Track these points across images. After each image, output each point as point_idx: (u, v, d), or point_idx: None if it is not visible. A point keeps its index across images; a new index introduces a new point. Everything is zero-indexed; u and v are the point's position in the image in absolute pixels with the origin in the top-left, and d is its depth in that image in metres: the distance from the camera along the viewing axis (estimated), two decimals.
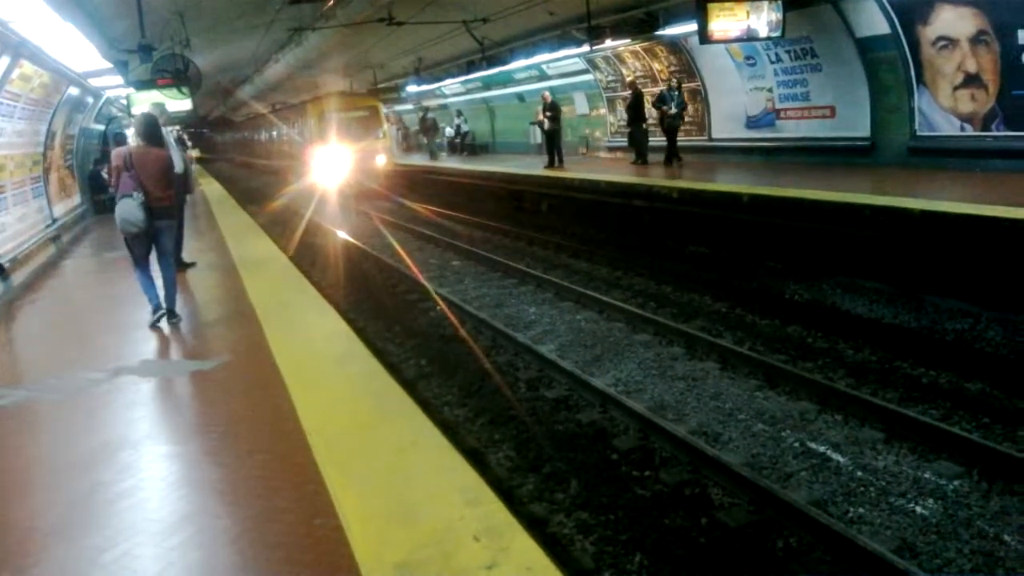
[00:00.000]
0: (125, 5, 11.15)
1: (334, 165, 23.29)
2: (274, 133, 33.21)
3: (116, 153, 6.95)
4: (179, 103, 13.73)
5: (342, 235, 16.20)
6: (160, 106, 9.99)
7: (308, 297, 8.00)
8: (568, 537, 4.85)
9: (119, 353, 6.54)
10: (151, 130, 7.13)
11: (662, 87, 17.51)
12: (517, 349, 8.29)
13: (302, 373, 5.43)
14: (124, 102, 16.58)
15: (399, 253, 13.99)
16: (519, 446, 6.16)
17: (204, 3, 13.88)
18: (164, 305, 7.15)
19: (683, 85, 17.60)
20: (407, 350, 8.79)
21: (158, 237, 7.10)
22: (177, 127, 37.44)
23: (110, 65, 13.24)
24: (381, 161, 24.08)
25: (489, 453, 6.09)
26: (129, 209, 6.67)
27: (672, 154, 16.88)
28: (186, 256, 9.98)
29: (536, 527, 4.83)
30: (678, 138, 17.05)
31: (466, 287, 11.41)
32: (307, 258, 13.79)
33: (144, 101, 12.78)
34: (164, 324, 7.15)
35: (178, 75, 13.69)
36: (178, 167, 9.46)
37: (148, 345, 6.75)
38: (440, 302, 10.32)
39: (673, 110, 16.55)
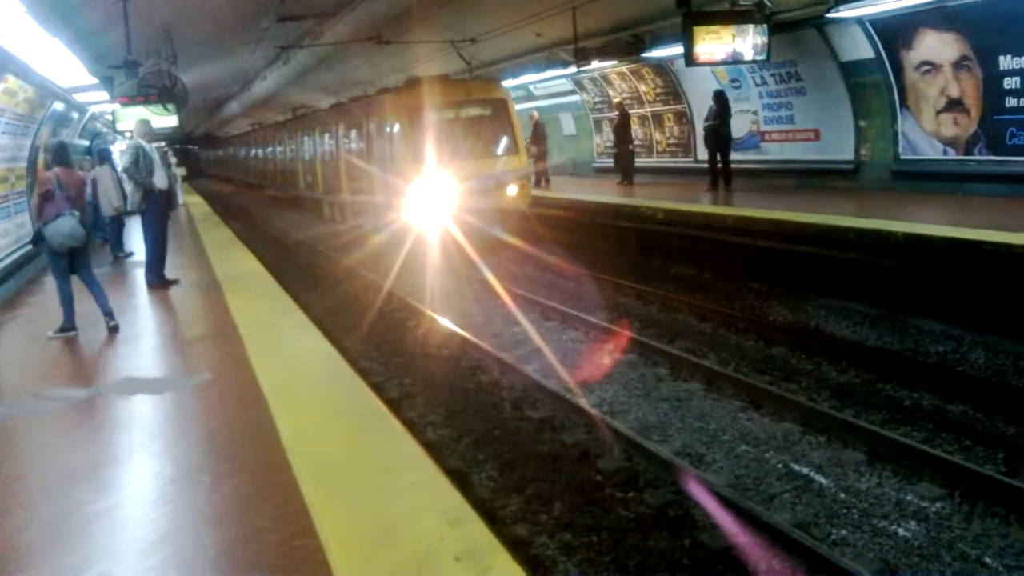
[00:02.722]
0: (112, 21, 11.12)
1: (433, 201, 14.06)
2: (306, 146, 23.36)
3: (45, 178, 7.54)
4: (165, 119, 13.70)
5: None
6: (145, 122, 9.96)
7: (291, 315, 7.98)
8: (551, 559, 4.83)
9: (99, 370, 6.51)
10: (66, 154, 7.92)
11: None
12: (503, 369, 8.27)
13: (284, 391, 5.41)
14: (109, 118, 16.52)
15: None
16: (503, 467, 6.13)
17: (192, 20, 13.86)
18: (111, 314, 7.63)
19: (670, 106, 17.75)
20: (391, 368, 8.76)
21: (85, 251, 7.74)
22: (163, 143, 37.26)
23: (96, 81, 13.21)
24: (512, 192, 15.02)
25: (472, 473, 6.06)
26: (71, 225, 7.30)
27: (723, 175, 15.11)
28: (169, 273, 9.93)
29: (519, 548, 4.80)
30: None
31: (454, 305, 11.38)
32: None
33: (130, 117, 12.75)
34: (139, 340, 7.10)
35: (164, 91, 13.65)
36: (162, 184, 9.47)
37: (128, 362, 6.70)
38: (429, 321, 10.30)
39: (711, 121, 14.91)
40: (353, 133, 18.31)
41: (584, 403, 7.06)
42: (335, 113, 20.54)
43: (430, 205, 14.05)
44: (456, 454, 6.43)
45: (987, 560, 4.55)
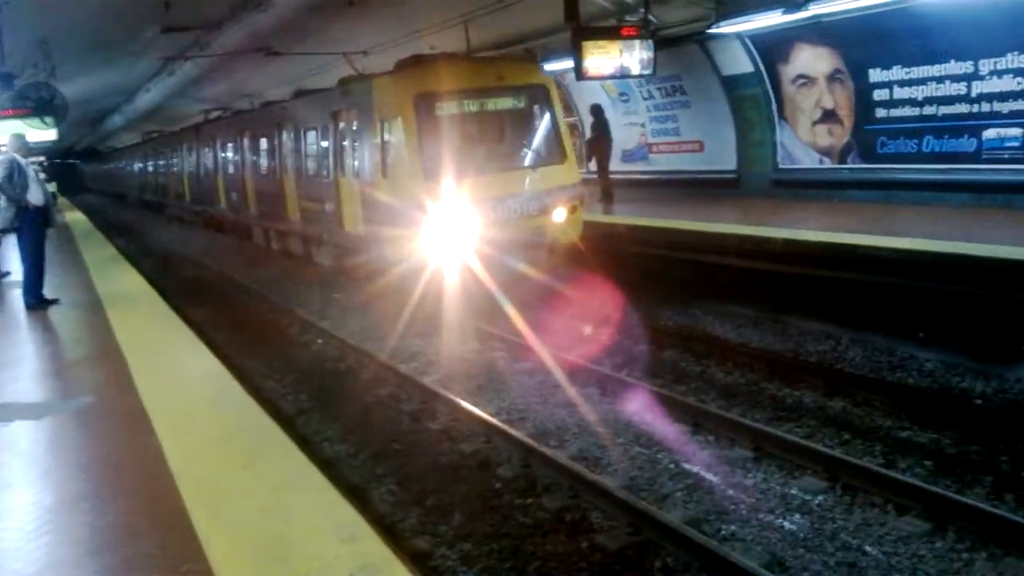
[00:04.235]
0: None
1: (444, 233, 9.74)
2: (231, 155, 18.74)
3: None
4: (43, 133, 13.15)
5: None
6: (20, 136, 9.54)
7: (179, 334, 7.76)
8: (452, 569, 4.83)
9: None
10: None
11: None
12: (400, 381, 8.23)
13: (171, 413, 5.25)
14: None
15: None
16: (402, 480, 6.10)
17: (72, 31, 13.34)
18: None
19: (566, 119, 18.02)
20: (286, 385, 8.60)
21: None
22: (42, 158, 35.51)
23: None
24: (560, 217, 10.65)
25: (371, 488, 6.01)
26: None
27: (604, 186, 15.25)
28: (48, 293, 9.50)
29: (419, 561, 4.79)
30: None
31: (347, 320, 11.24)
32: None
33: (5, 131, 12.18)
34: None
35: (42, 104, 13.10)
36: (38, 200, 9.09)
37: (4, 387, 6.39)
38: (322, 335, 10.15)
39: (590, 134, 15.64)
40: (311, 137, 13.61)
41: (482, 412, 7.09)
42: (279, 112, 15.33)
43: (444, 238, 9.78)
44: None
45: (868, 548, 4.79)
